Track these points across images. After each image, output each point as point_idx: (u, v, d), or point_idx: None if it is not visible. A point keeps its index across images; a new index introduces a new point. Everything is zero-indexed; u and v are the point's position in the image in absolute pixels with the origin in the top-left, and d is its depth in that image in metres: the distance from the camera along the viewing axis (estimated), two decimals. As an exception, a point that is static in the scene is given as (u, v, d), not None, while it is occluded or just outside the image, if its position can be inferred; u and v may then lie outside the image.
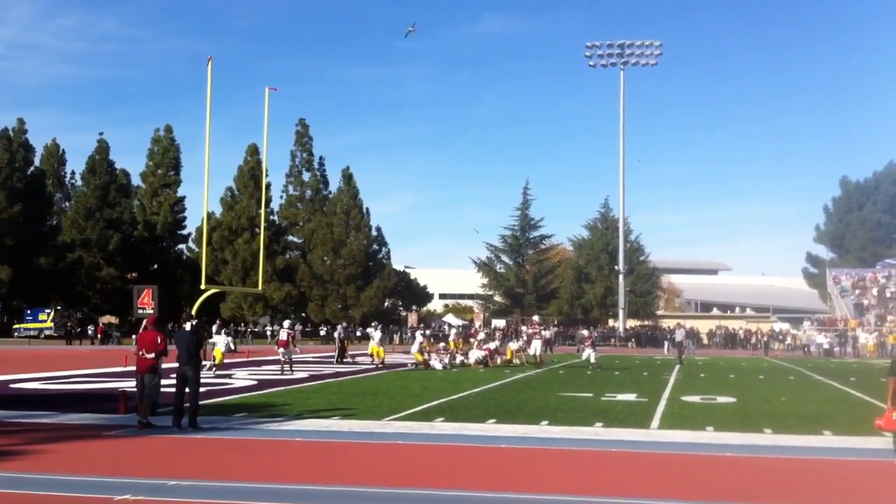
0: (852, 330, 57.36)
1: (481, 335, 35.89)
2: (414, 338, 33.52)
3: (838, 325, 61.11)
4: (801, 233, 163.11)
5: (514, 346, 34.25)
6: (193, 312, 35.62)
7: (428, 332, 34.53)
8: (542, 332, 33.33)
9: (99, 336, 61.04)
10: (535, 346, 32.50)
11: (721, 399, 19.56)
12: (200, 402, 14.02)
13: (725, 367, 34.58)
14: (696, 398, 19.71)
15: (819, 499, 8.77)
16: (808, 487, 9.47)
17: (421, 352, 31.21)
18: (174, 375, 13.95)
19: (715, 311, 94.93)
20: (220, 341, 28.89)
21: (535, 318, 36.39)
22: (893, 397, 10.47)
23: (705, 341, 66.65)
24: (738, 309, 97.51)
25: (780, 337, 63.30)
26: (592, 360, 32.14)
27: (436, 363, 30.65)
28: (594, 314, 78.48)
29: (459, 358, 32.22)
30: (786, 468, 10.62)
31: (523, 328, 36.67)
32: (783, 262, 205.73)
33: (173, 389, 13.86)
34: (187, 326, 14.48)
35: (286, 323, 30.63)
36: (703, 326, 71.78)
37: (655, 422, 15.05)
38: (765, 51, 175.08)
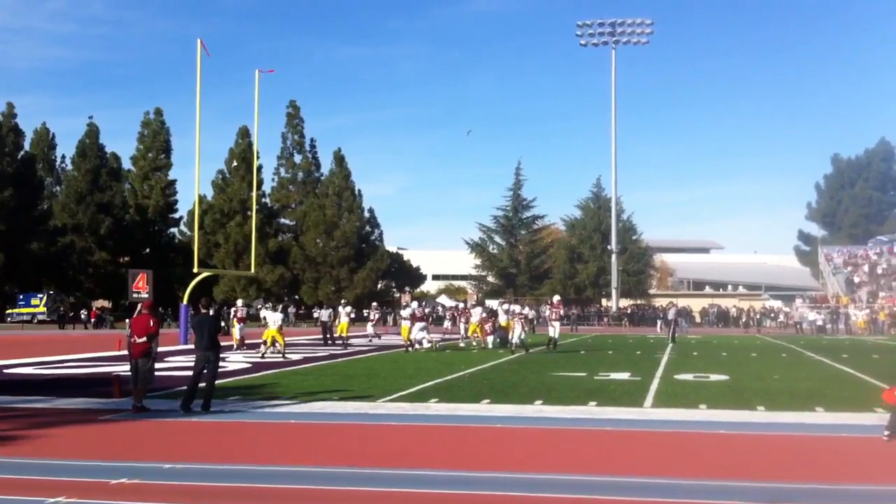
0: (844, 307, 57.60)
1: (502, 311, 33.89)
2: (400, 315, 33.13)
3: (830, 303, 61.37)
4: (793, 210, 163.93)
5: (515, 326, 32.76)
6: (186, 296, 35.77)
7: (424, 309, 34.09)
8: (524, 312, 32.45)
9: (93, 320, 60.99)
10: (555, 328, 29.96)
11: (714, 377, 19.63)
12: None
13: (718, 346, 34.72)
14: (689, 376, 19.79)
15: (812, 475, 8.82)
16: (800, 463, 9.53)
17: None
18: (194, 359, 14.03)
19: (707, 290, 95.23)
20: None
21: (556, 297, 33.58)
22: None
23: (698, 320, 66.87)
24: (730, 287, 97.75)
25: (773, 315, 63.54)
26: (516, 339, 27.94)
27: (425, 342, 30.42)
28: (587, 294, 78.65)
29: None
30: (778, 445, 10.68)
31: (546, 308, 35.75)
32: (775, 240, 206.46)
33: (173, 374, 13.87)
34: (210, 311, 14.46)
35: (239, 302, 31.86)
36: (696, 305, 72.02)
37: (649, 400, 15.11)
38: (756, 29, 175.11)
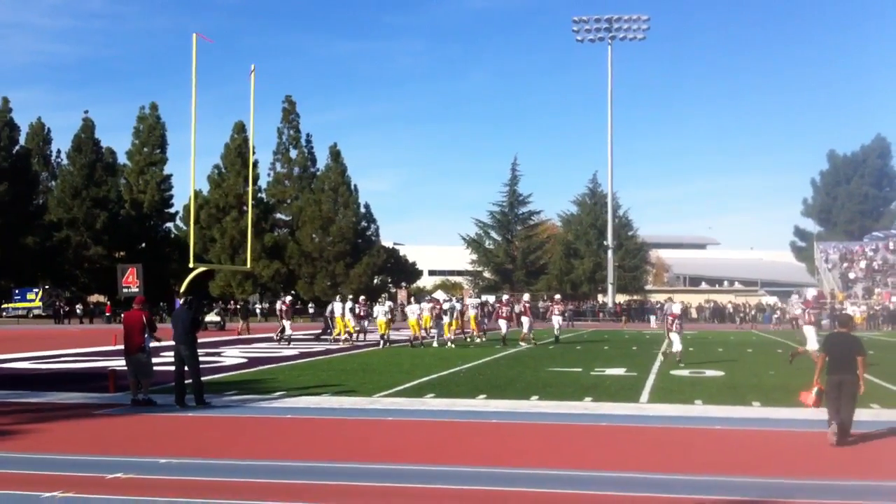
0: (840, 303, 57.64)
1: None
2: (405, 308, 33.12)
3: (826, 299, 61.40)
4: (788, 207, 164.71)
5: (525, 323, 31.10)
6: (182, 290, 35.65)
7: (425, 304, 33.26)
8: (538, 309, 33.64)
9: (107, 315, 60.13)
10: (556, 322, 33.70)
11: (709, 373, 19.64)
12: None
13: (714, 341, 34.72)
14: (684, 372, 19.79)
15: (807, 470, 8.84)
16: (796, 459, 9.55)
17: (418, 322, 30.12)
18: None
19: (703, 286, 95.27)
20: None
21: (557, 296, 38.96)
22: (820, 372, 11.13)
23: (694, 315, 66.84)
24: (726, 283, 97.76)
25: (769, 310, 63.57)
26: (502, 330, 30.62)
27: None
28: (583, 289, 78.66)
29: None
30: (774, 440, 10.70)
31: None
32: (771, 235, 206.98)
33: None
34: (187, 304, 14.45)
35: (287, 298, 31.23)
36: (692, 300, 72.03)
37: (645, 396, 15.13)
38: (752, 25, 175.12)
